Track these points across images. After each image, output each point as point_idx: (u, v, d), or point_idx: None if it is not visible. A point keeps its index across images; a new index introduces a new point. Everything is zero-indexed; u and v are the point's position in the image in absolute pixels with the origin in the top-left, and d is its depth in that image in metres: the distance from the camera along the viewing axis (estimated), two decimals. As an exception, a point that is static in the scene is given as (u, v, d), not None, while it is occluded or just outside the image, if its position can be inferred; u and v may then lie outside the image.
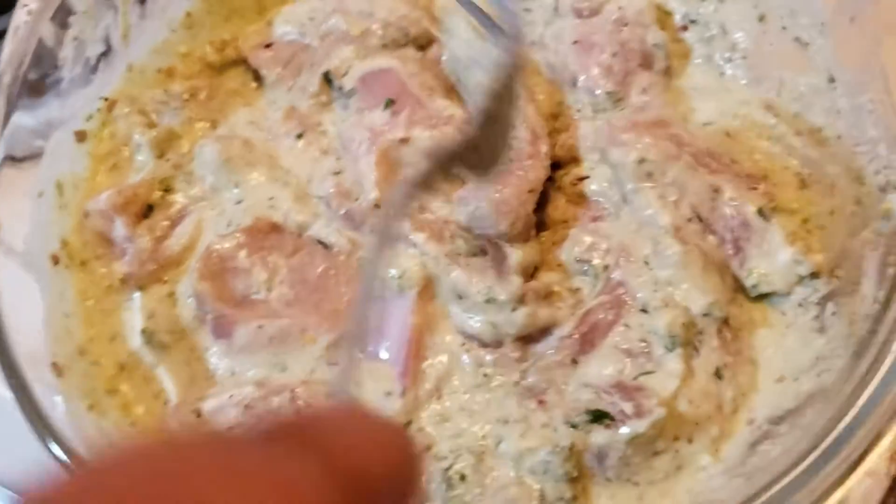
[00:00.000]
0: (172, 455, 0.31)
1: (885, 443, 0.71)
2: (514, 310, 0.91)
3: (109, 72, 1.10)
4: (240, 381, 0.94)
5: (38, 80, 1.03)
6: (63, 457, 0.81)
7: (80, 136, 1.06)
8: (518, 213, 0.96)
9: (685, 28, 1.13)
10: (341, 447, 0.34)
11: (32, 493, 0.30)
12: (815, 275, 0.93)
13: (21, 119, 1.01)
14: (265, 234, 1.00)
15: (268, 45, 1.14)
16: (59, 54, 1.04)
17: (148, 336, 0.97)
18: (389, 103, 1.01)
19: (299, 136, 1.05)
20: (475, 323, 0.92)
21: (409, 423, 0.89)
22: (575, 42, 1.08)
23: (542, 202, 1.00)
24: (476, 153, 0.71)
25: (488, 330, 0.92)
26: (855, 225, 0.91)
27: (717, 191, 0.97)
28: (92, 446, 0.84)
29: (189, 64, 1.15)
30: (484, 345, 0.93)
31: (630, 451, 0.84)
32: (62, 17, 1.04)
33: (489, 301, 0.91)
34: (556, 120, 1.06)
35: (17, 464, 0.81)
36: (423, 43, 1.11)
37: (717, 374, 0.89)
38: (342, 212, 0.99)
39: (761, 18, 1.07)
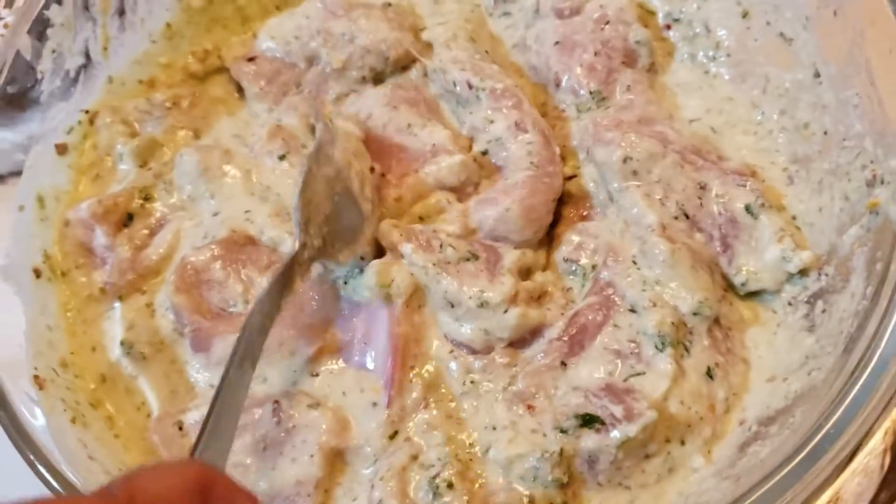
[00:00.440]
0: None
1: (875, 439, 0.70)
2: (505, 311, 0.90)
3: (90, 84, 1.10)
4: (221, 393, 0.93)
5: (17, 95, 1.03)
6: (44, 472, 0.80)
7: (61, 149, 1.06)
8: (543, 221, 0.98)
9: (668, 27, 1.12)
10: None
11: None
12: (804, 272, 0.92)
13: (1, 134, 1.01)
14: (240, 246, 0.99)
15: (251, 59, 1.14)
16: (38, 67, 1.04)
17: (127, 347, 0.96)
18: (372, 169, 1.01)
19: (282, 158, 1.05)
20: (466, 330, 0.91)
21: (395, 434, 0.88)
22: (557, 43, 1.08)
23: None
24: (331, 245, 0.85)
25: (480, 337, 0.91)
26: (843, 221, 0.90)
27: (703, 188, 0.96)
28: (74, 459, 0.83)
29: (170, 74, 1.14)
30: (473, 352, 0.92)
31: (621, 454, 0.83)
32: (40, 29, 1.03)
33: (482, 305, 0.90)
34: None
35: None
36: (405, 64, 1.11)
37: (709, 374, 0.88)
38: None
39: (745, 15, 1.06)
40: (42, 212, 1.02)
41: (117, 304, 0.99)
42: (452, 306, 0.91)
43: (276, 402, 0.90)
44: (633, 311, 0.90)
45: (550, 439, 0.84)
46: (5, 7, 1.02)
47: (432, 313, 0.93)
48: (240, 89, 1.14)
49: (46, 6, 1.03)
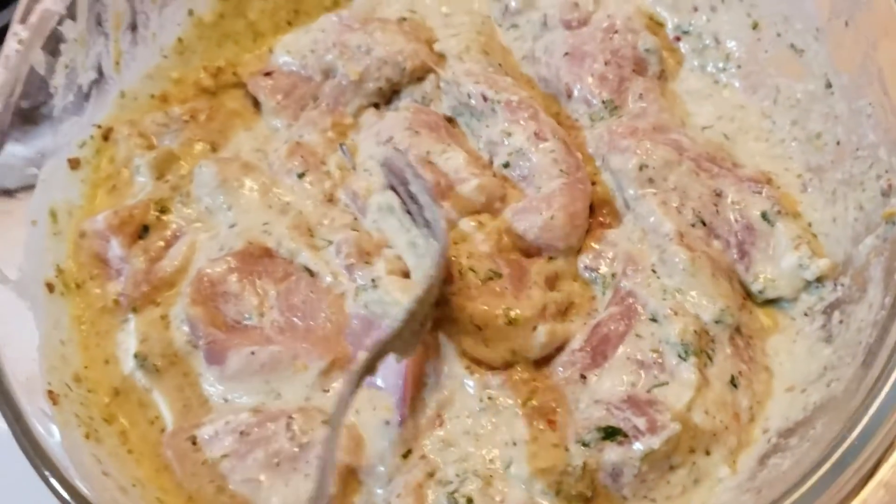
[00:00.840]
0: None
1: (898, 453, 0.69)
2: (534, 328, 0.90)
3: (102, 99, 1.09)
4: (234, 407, 0.92)
5: (30, 109, 1.03)
6: (59, 488, 0.79)
7: (74, 164, 1.06)
8: (584, 227, 0.98)
9: (678, 39, 1.12)
10: None
11: None
12: (820, 280, 0.91)
13: (14, 149, 1.00)
14: (257, 258, 0.98)
15: (267, 73, 1.14)
16: (51, 82, 1.04)
17: (141, 359, 0.95)
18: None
19: (301, 176, 1.05)
20: (490, 353, 0.90)
21: (408, 453, 0.87)
22: (566, 54, 1.08)
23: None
24: (401, 340, 0.83)
25: (505, 358, 0.90)
26: (858, 231, 0.90)
27: (719, 195, 0.96)
28: (88, 475, 0.82)
29: (182, 89, 1.14)
30: (492, 368, 0.90)
31: (645, 467, 0.82)
32: (53, 45, 1.03)
33: (510, 323, 0.89)
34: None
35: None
36: (421, 75, 1.11)
37: (733, 383, 0.87)
38: (348, 262, 0.97)
39: (755, 26, 1.07)
40: (55, 226, 1.02)
41: (131, 316, 0.98)
42: (480, 329, 0.90)
43: (290, 417, 0.89)
44: (654, 320, 0.89)
45: (573, 453, 0.83)
46: (19, 23, 1.02)
47: (455, 334, 0.91)
48: (255, 103, 1.14)
49: (60, 22, 1.04)
